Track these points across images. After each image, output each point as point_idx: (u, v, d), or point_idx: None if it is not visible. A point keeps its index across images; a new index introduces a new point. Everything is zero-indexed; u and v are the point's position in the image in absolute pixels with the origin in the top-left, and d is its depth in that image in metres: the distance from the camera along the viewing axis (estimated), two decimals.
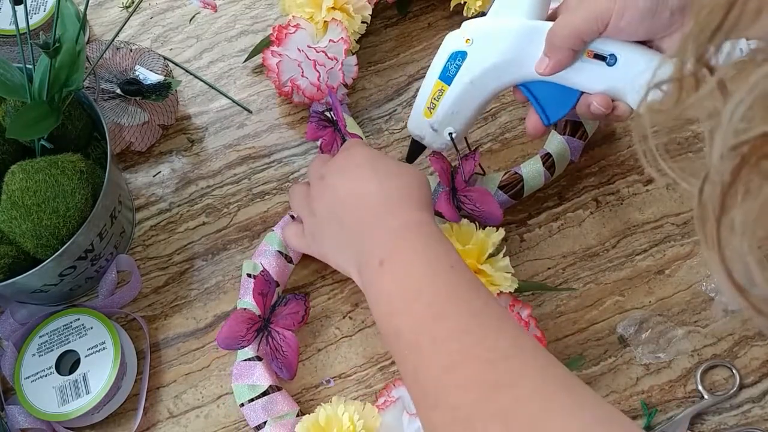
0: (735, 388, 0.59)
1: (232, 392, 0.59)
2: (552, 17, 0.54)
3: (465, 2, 0.71)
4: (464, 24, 0.55)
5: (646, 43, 0.51)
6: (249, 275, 0.61)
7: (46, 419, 0.57)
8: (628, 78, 0.51)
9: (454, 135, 0.57)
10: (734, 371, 0.60)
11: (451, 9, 0.73)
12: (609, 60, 0.51)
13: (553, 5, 0.56)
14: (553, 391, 0.40)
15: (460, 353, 0.42)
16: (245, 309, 0.59)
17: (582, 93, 0.53)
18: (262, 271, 0.61)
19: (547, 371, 0.41)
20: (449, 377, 0.42)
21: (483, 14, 0.56)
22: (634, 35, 0.50)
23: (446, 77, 0.55)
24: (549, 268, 0.65)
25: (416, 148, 0.62)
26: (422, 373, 0.43)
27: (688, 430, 0.59)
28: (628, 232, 0.66)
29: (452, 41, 0.55)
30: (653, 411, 0.59)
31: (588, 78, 0.52)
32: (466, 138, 0.61)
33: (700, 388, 0.60)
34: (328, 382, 0.61)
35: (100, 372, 0.58)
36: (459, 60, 0.54)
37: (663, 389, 0.60)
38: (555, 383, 0.41)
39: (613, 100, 0.53)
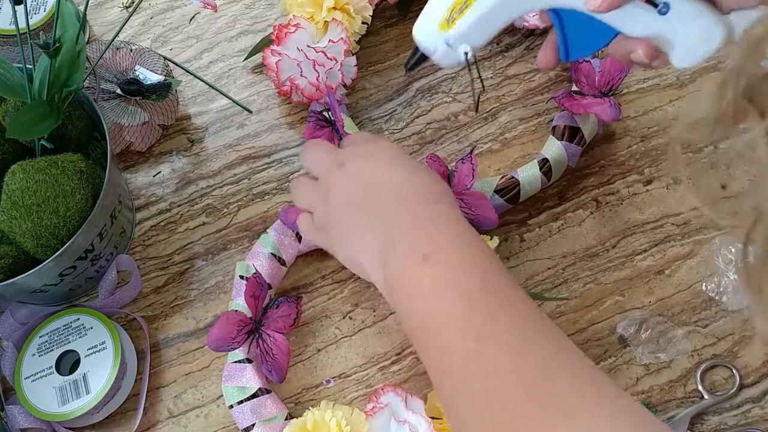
0: (735, 388, 0.59)
1: None
2: None
3: None
4: None
5: None
6: (241, 277, 0.61)
7: (46, 419, 0.57)
8: (677, 31, 0.47)
9: (470, 55, 0.49)
10: (734, 371, 0.60)
11: None
12: (662, 8, 0.46)
13: None
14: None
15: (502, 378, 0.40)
16: (236, 311, 0.59)
17: (617, 34, 0.48)
18: (254, 273, 0.60)
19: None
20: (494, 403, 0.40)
21: None
22: None
23: None
24: (549, 268, 0.65)
25: (420, 59, 0.52)
26: (462, 394, 0.42)
27: (688, 430, 0.59)
28: (628, 232, 0.66)
29: None
30: (653, 411, 0.59)
31: (632, 21, 0.47)
32: (477, 66, 0.53)
33: (700, 388, 0.60)
34: (328, 382, 0.61)
35: (100, 372, 0.58)
36: None
37: (663, 389, 0.60)
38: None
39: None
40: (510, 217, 0.66)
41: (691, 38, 0.47)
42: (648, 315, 0.62)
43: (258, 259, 0.62)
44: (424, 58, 0.52)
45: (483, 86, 0.52)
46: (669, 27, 0.47)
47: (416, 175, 0.50)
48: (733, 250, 0.63)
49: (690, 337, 0.62)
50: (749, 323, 0.62)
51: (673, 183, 0.67)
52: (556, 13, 0.48)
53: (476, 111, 0.53)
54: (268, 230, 0.63)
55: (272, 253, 0.62)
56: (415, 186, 0.50)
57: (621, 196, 0.67)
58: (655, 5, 0.46)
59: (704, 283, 0.63)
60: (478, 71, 0.52)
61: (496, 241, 0.58)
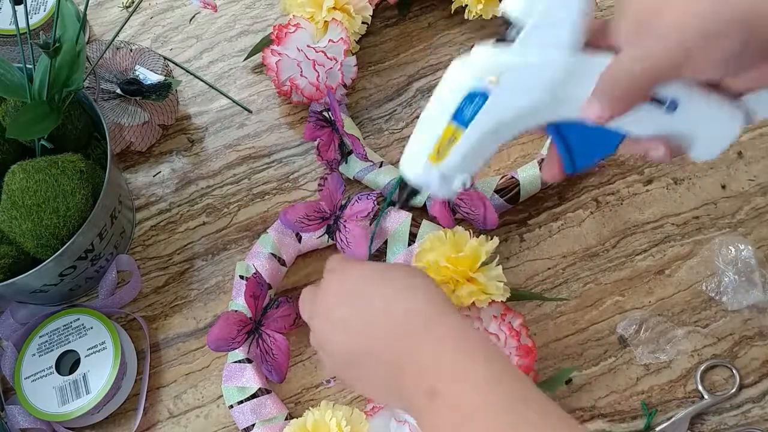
0: (735, 388, 0.59)
1: None
2: (595, 36, 0.44)
3: (466, 5, 0.71)
4: (479, 52, 0.44)
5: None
6: (241, 277, 0.61)
7: (46, 419, 0.57)
8: (690, 128, 0.43)
9: (467, 184, 0.46)
10: (734, 371, 0.60)
11: (452, 12, 0.74)
12: (669, 105, 0.42)
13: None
14: None
15: None
16: (236, 311, 0.59)
17: (624, 136, 0.45)
18: (254, 273, 0.60)
19: None
20: None
21: (495, 42, 0.44)
22: (704, 77, 0.41)
23: (462, 120, 0.44)
24: (549, 268, 0.65)
25: (410, 194, 0.49)
26: None
27: (688, 430, 0.59)
28: (628, 232, 0.66)
29: (467, 77, 0.43)
30: (653, 411, 0.59)
31: (640, 123, 0.44)
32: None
33: (700, 388, 0.60)
34: (329, 382, 0.61)
35: (100, 372, 0.58)
36: (478, 101, 0.43)
37: (663, 389, 0.60)
38: None
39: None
40: (510, 217, 0.66)
41: (706, 132, 0.44)
42: (648, 315, 0.62)
43: (258, 259, 0.62)
44: (415, 192, 0.49)
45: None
46: (680, 124, 0.43)
47: (395, 301, 0.45)
48: (733, 250, 0.63)
49: (690, 337, 0.62)
50: (749, 323, 0.62)
51: (673, 183, 0.67)
52: (555, 125, 0.45)
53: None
54: (268, 230, 0.63)
55: (272, 253, 0.62)
56: (404, 317, 0.44)
57: (621, 196, 0.67)
58: (662, 103, 0.43)
59: (704, 283, 0.63)
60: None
61: (495, 241, 0.58)
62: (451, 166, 0.45)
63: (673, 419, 0.59)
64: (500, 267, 0.57)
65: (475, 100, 0.43)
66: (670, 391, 0.60)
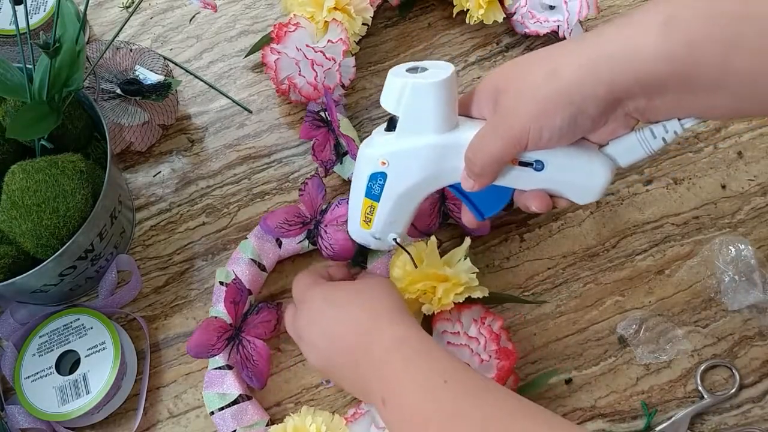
0: (735, 388, 0.59)
1: None
2: (466, 103, 0.51)
3: (467, 10, 0.71)
4: (376, 136, 0.52)
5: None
6: (221, 283, 0.61)
7: (46, 419, 0.57)
8: (561, 180, 0.49)
9: (398, 239, 0.56)
10: (734, 371, 0.60)
11: (453, 16, 0.74)
12: (536, 166, 0.49)
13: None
14: None
15: None
16: (216, 317, 0.58)
17: (513, 190, 0.52)
18: (234, 279, 0.60)
19: None
20: None
21: (386, 127, 0.52)
22: (557, 145, 0.47)
23: (372, 195, 0.53)
24: (549, 268, 0.65)
25: (362, 250, 0.61)
26: None
27: (688, 430, 0.59)
28: (628, 232, 0.66)
29: (367, 162, 0.52)
30: (653, 411, 0.59)
31: (518, 181, 0.50)
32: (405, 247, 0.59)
33: (700, 388, 0.60)
34: (328, 382, 0.61)
35: (100, 372, 0.58)
36: (380, 180, 0.52)
37: (663, 389, 0.60)
38: None
39: (551, 195, 0.51)
40: (510, 217, 0.66)
41: (578, 183, 0.49)
42: (648, 315, 0.62)
43: (238, 265, 0.61)
44: (365, 249, 0.60)
45: (414, 263, 0.58)
46: (552, 179, 0.49)
47: (349, 320, 0.52)
48: (732, 250, 0.63)
49: (690, 337, 0.62)
50: (749, 323, 0.62)
51: (673, 183, 0.67)
52: (455, 187, 0.52)
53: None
54: (248, 236, 0.63)
55: (252, 259, 0.62)
56: (354, 332, 0.52)
57: (621, 196, 0.67)
58: (530, 164, 0.49)
59: (704, 283, 0.63)
60: (408, 252, 0.57)
61: (468, 241, 0.58)
62: (378, 231, 0.55)
63: (673, 419, 0.59)
64: (468, 260, 0.57)
65: (377, 179, 0.52)
66: (670, 391, 0.60)
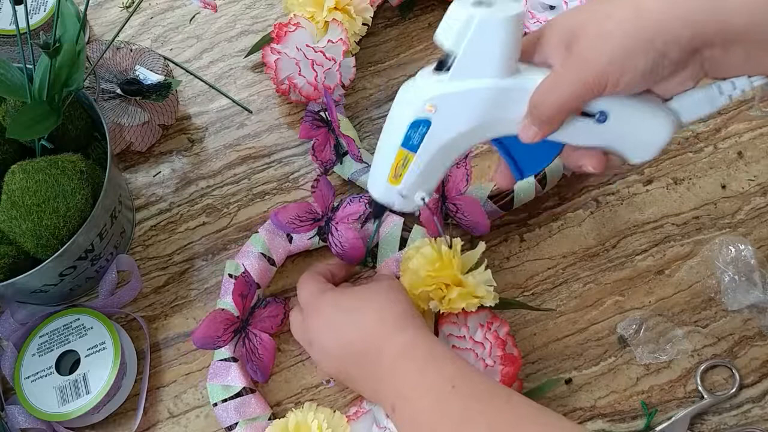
0: (735, 388, 0.59)
1: None
2: (530, 50, 0.47)
3: None
4: (420, 79, 0.47)
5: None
6: (230, 275, 0.61)
7: (46, 419, 0.57)
8: (621, 134, 0.46)
9: (426, 199, 0.51)
10: (734, 371, 0.60)
11: None
12: (599, 117, 0.45)
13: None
14: None
15: None
16: (223, 309, 0.59)
17: (564, 145, 0.48)
18: (243, 272, 0.60)
19: None
20: None
21: (435, 68, 0.47)
22: (630, 92, 0.45)
23: (410, 146, 0.48)
24: (549, 268, 0.65)
25: (382, 209, 0.55)
26: None
27: (688, 430, 0.59)
28: (628, 232, 0.66)
29: (410, 106, 0.46)
30: (653, 411, 0.59)
31: (574, 134, 0.47)
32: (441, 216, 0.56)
33: (700, 388, 0.60)
34: (328, 382, 0.61)
35: (100, 372, 0.58)
36: (423, 128, 0.47)
37: (663, 389, 0.60)
38: None
39: (605, 153, 0.48)
40: (510, 217, 0.66)
41: (638, 138, 0.46)
42: (648, 315, 0.62)
43: (248, 258, 0.61)
44: (384, 208, 0.54)
45: (449, 240, 0.55)
46: (612, 133, 0.46)
47: (361, 325, 0.52)
48: (732, 250, 0.63)
49: (690, 337, 0.62)
50: (749, 323, 0.62)
51: (673, 183, 0.67)
52: (499, 141, 0.48)
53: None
54: (258, 230, 0.63)
55: (262, 253, 0.62)
56: (364, 340, 0.52)
57: (621, 196, 0.67)
58: (592, 115, 0.45)
59: (704, 283, 0.63)
60: (442, 221, 0.54)
61: (482, 246, 0.58)
62: (408, 187, 0.50)
63: (673, 419, 0.59)
64: (489, 271, 0.56)
65: (419, 127, 0.47)
66: (670, 391, 0.60)
